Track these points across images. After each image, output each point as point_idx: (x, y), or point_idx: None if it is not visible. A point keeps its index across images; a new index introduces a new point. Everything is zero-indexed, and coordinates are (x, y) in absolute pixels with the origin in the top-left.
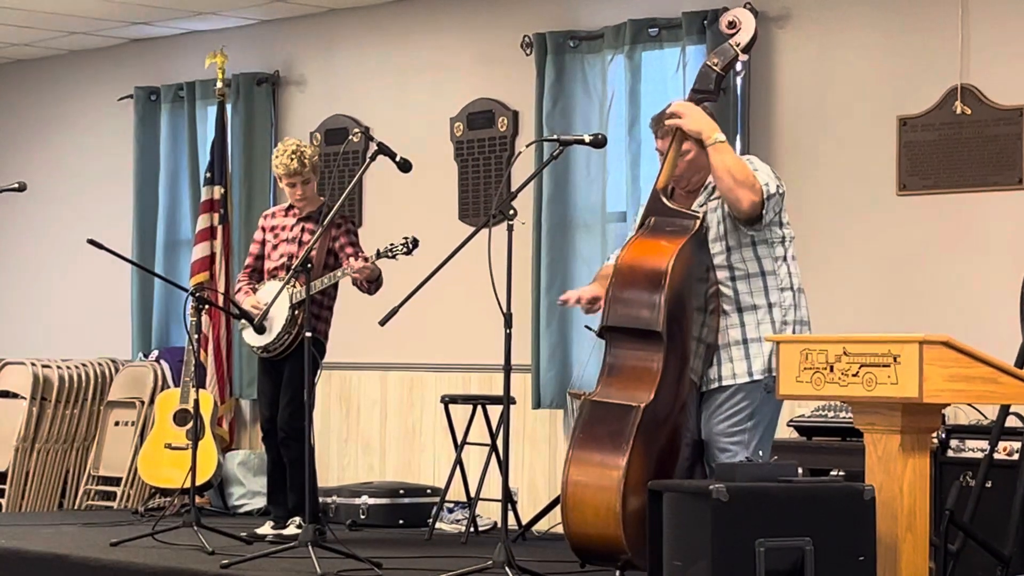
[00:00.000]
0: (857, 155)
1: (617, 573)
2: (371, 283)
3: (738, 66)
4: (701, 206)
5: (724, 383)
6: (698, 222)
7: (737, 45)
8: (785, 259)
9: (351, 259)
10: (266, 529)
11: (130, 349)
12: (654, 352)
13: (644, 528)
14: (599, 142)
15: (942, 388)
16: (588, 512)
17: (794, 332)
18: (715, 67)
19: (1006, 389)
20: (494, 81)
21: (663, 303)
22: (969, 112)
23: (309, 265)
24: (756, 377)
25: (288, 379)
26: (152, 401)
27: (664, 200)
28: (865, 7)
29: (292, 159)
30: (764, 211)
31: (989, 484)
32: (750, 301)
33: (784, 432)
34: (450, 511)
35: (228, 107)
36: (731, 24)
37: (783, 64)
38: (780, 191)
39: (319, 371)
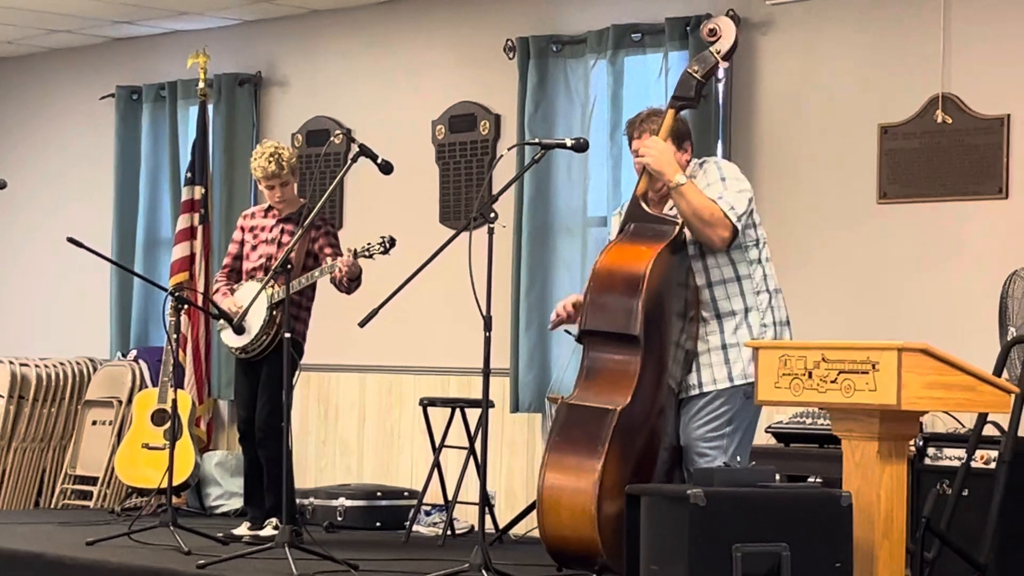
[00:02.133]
0: (838, 163)
1: None
2: (352, 281)
3: (719, 73)
4: (671, 209)
5: (704, 389)
6: (677, 228)
7: (718, 52)
8: (760, 261)
9: (331, 260)
10: (243, 530)
11: (108, 348)
12: (631, 356)
13: (620, 531)
14: (581, 146)
15: (920, 396)
16: (564, 515)
17: (775, 334)
18: (695, 74)
19: (984, 397)
20: (476, 84)
21: (640, 307)
22: (950, 121)
23: (289, 266)
24: (736, 383)
25: (266, 380)
26: (130, 401)
27: (644, 206)
28: (847, 15)
29: (270, 161)
30: (738, 235)
31: (966, 492)
32: (728, 307)
33: (762, 438)
34: (427, 514)
35: (210, 107)
36: (712, 32)
37: (765, 71)
38: (749, 198)
39: (297, 372)
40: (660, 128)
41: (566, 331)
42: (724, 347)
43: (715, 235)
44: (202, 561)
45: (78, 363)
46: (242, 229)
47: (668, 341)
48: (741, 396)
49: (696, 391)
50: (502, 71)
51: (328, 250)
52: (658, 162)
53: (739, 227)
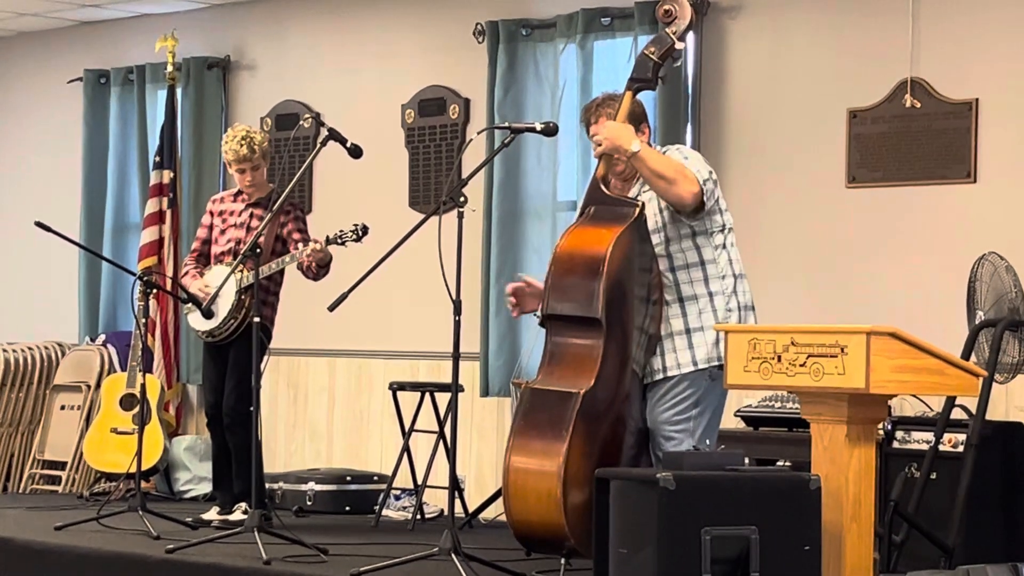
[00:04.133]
0: (807, 147)
1: (562, 561)
2: (321, 268)
3: (676, 53)
4: (638, 195)
5: (668, 373)
6: (638, 209)
7: (674, 33)
8: (724, 246)
9: (300, 245)
10: (212, 514)
11: (77, 333)
12: (594, 340)
13: (587, 515)
14: (550, 130)
15: (888, 379)
16: (530, 499)
17: (739, 318)
18: (652, 55)
19: (952, 381)
20: (446, 68)
21: (602, 290)
22: (919, 105)
23: (258, 250)
24: (700, 366)
25: (234, 364)
26: (98, 385)
27: (603, 188)
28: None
29: (242, 145)
30: (705, 199)
31: (934, 475)
32: (691, 291)
33: (731, 422)
34: (397, 498)
35: (178, 91)
36: (667, 13)
37: (735, 55)
38: (713, 177)
39: (266, 357)
40: (617, 112)
41: (535, 314)
42: (688, 331)
43: (683, 190)
44: (171, 546)
45: (46, 347)
46: (211, 213)
47: (631, 325)
48: (706, 379)
49: (660, 375)
50: (471, 55)
51: (297, 235)
52: (611, 142)
53: (705, 190)
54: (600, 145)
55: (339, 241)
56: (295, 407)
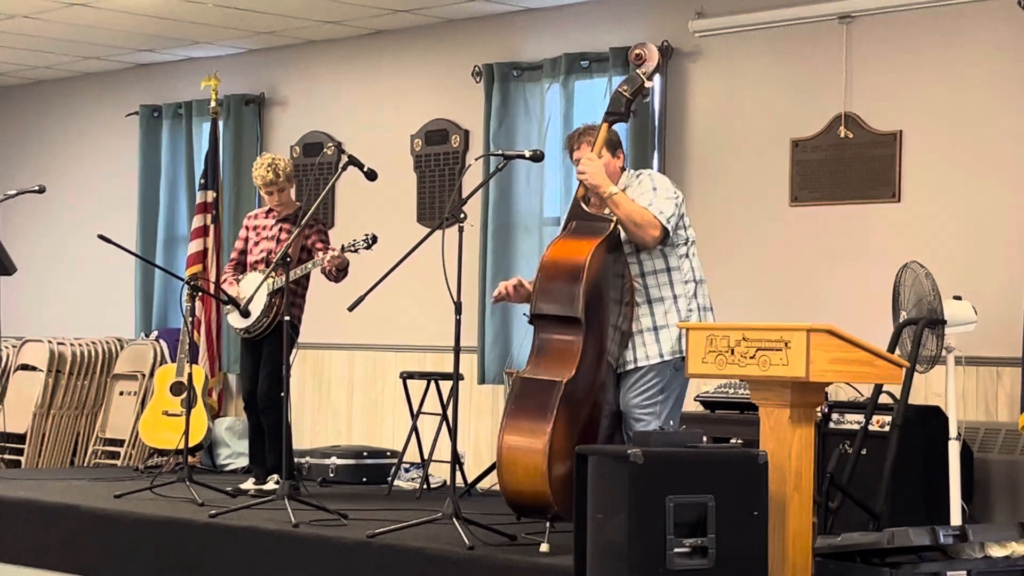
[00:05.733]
0: (756, 171)
1: (547, 524)
2: (340, 272)
3: (645, 91)
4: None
5: (639, 364)
6: (613, 224)
7: (644, 74)
8: (687, 256)
9: (321, 254)
10: (248, 485)
11: (133, 329)
12: (574, 335)
13: (568, 486)
14: (537, 157)
15: (825, 369)
16: (520, 472)
17: (699, 317)
18: (625, 93)
19: (880, 371)
20: (448, 104)
21: (581, 293)
22: (851, 136)
23: (287, 259)
24: (666, 358)
25: (267, 356)
26: (152, 374)
27: (583, 207)
28: (764, 46)
29: (268, 171)
30: (667, 236)
31: (864, 452)
32: (658, 294)
33: (691, 406)
34: (406, 471)
35: (220, 123)
36: (638, 57)
37: (694, 93)
38: (678, 202)
39: (295, 350)
40: (596, 139)
41: (524, 314)
42: (655, 328)
43: (646, 235)
44: (214, 511)
45: (107, 342)
46: (246, 228)
47: (606, 323)
48: (671, 369)
49: (632, 366)
50: (470, 93)
51: (320, 245)
52: (593, 178)
53: (668, 228)
54: (583, 173)
55: (352, 248)
56: (319, 393)
